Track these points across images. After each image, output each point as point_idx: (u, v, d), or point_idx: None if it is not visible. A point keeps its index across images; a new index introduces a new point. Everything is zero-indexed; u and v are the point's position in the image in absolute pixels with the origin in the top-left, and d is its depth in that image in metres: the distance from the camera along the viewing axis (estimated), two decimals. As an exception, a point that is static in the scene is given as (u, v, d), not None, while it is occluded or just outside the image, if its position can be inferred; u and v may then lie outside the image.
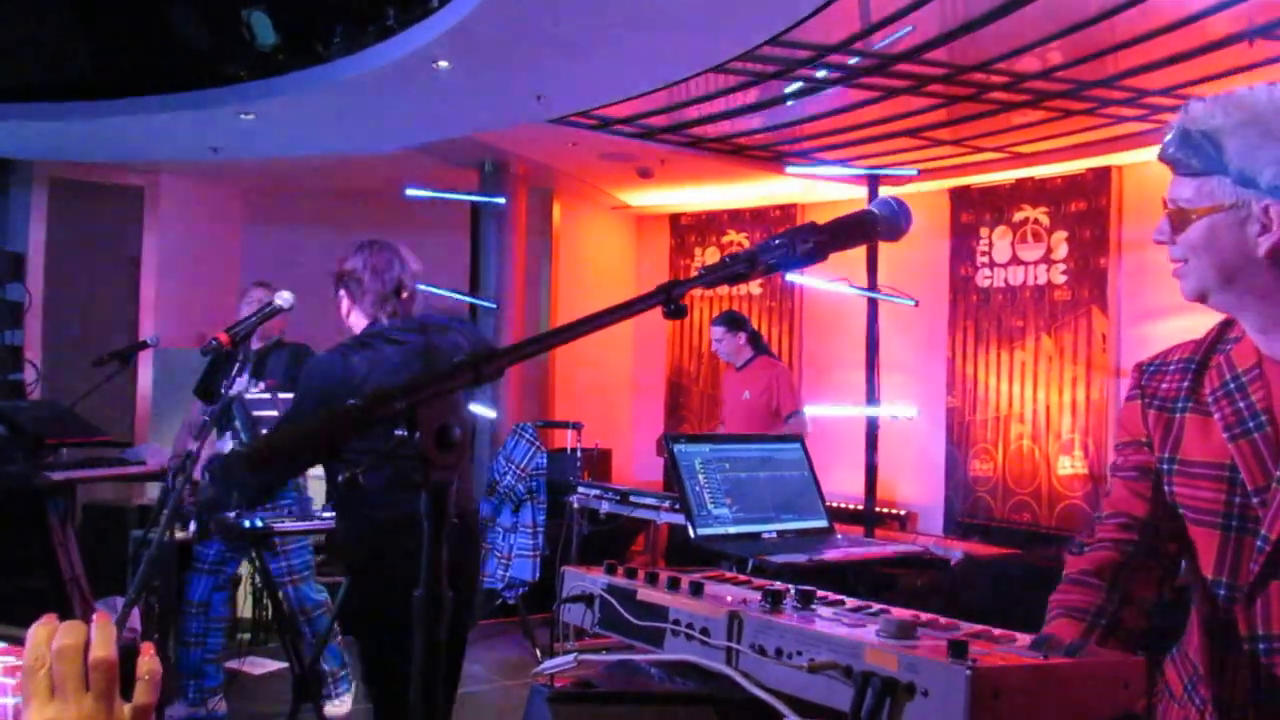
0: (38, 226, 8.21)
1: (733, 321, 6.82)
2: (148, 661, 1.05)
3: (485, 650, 6.86)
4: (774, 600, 1.48)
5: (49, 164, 8.23)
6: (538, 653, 6.52)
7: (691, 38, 5.42)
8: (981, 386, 7.98)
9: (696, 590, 1.56)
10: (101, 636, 1.02)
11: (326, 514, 4.33)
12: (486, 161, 8.41)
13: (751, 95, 6.60)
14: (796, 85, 6.29)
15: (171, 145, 7.80)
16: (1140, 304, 7.22)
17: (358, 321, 3.35)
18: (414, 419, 1.05)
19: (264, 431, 3.62)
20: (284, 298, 3.61)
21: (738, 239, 9.53)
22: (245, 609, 6.92)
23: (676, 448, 3.91)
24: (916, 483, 8.37)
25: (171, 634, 4.81)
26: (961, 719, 1.16)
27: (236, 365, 3.46)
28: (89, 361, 4.97)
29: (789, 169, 7.93)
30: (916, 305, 7.29)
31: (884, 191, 7.23)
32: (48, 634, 1.02)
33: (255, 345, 4.69)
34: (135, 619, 4.27)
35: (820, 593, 1.58)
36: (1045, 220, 7.67)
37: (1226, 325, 1.66)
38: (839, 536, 4.09)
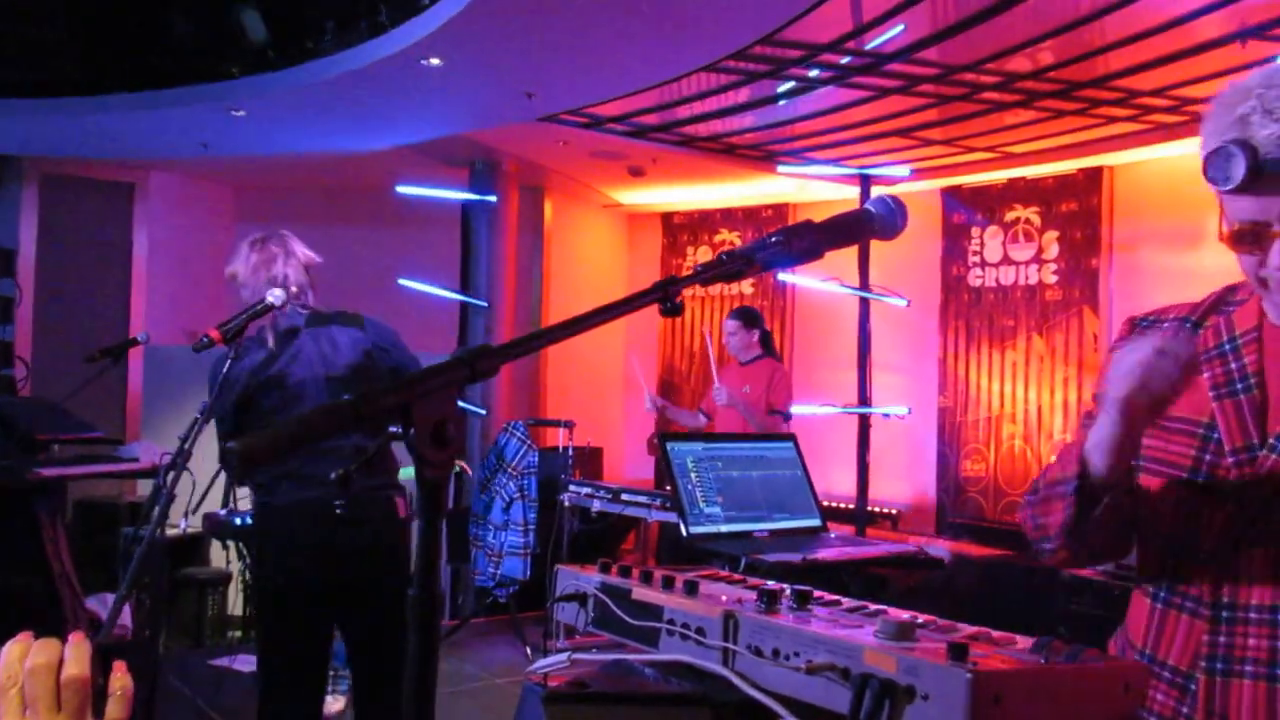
0: (28, 222, 8.18)
1: (749, 317, 6.83)
2: (120, 678, 1.04)
3: (476, 648, 6.85)
4: (770, 600, 1.47)
5: (39, 160, 8.19)
6: (528, 651, 6.51)
7: (683, 36, 5.41)
8: (973, 386, 7.99)
9: (691, 589, 1.54)
10: (75, 655, 1.02)
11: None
12: (477, 159, 8.39)
13: (743, 94, 6.59)
14: (788, 84, 6.29)
15: (162, 141, 7.77)
16: (1131, 304, 7.21)
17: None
18: (409, 416, 1.03)
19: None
20: (275, 295, 3.59)
21: (730, 238, 9.52)
22: (236, 606, 6.91)
23: (669, 446, 3.90)
24: (908, 482, 8.38)
25: (161, 630, 4.79)
26: (961, 722, 1.15)
27: (229, 363, 3.45)
28: (80, 358, 4.94)
29: (781, 168, 7.93)
30: (908, 305, 7.29)
31: (875, 191, 7.23)
32: (21, 651, 1.02)
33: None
34: (126, 616, 4.26)
35: (816, 592, 1.57)
36: (1037, 220, 7.68)
37: (1231, 289, 1.66)
38: (831, 535, 4.08)
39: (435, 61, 5.81)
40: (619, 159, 8.26)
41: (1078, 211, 7.47)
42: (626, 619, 1.55)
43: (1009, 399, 7.79)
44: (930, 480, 8.25)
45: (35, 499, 4.76)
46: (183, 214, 9.03)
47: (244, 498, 4.65)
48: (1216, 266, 1.68)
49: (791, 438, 4.33)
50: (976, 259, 8.01)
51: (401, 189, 8.02)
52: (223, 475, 4.29)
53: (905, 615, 1.48)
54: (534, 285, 9.23)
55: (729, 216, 9.58)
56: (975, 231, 8.01)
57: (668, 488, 4.46)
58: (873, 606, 1.57)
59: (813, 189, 8.69)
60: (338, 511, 3.22)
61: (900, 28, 5.27)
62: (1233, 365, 1.58)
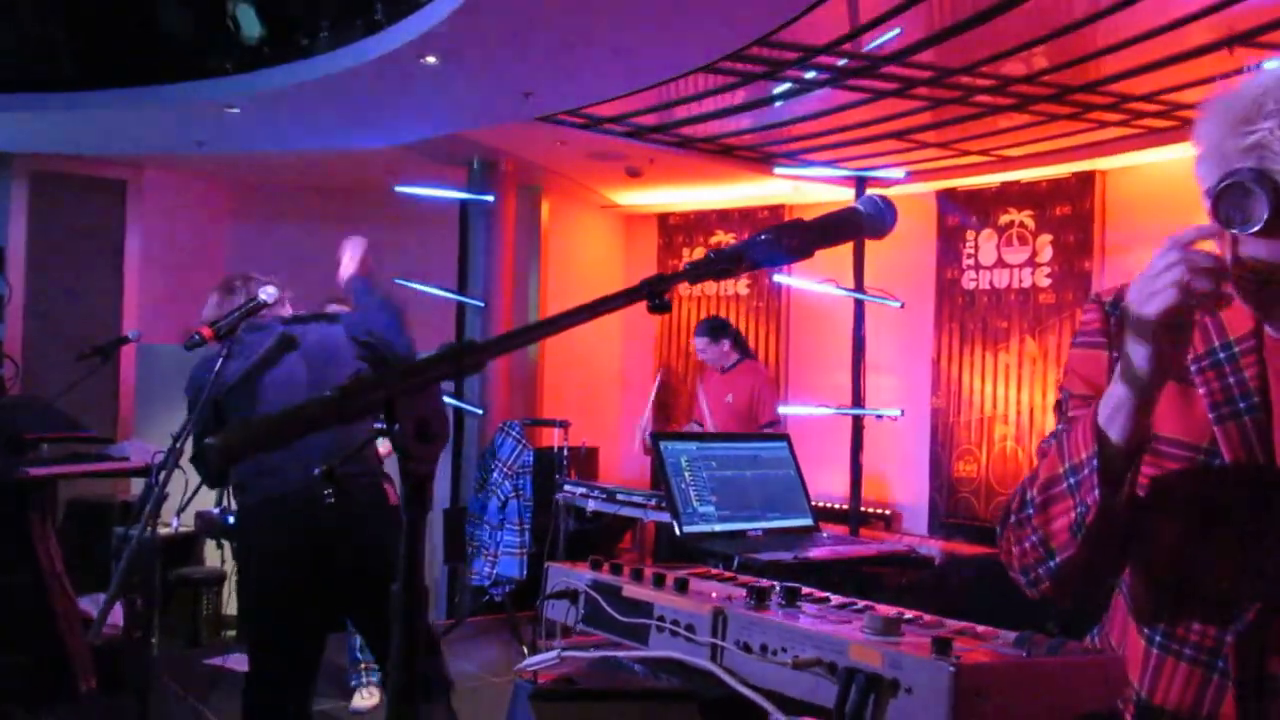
0: (18, 220, 8.15)
1: (714, 330, 6.85)
2: None
3: (472, 647, 6.85)
4: (759, 597, 1.48)
5: (30, 156, 8.17)
6: (524, 650, 6.51)
7: (680, 37, 5.42)
8: (966, 388, 8.01)
9: (681, 587, 1.55)
10: None
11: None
12: (475, 159, 8.39)
13: (740, 96, 6.60)
14: (785, 86, 6.30)
15: (155, 138, 7.76)
16: (1125, 307, 7.25)
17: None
18: (392, 410, 1.03)
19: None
20: (268, 292, 3.61)
21: (726, 239, 9.53)
22: (230, 606, 6.91)
23: (663, 445, 3.91)
24: (901, 483, 8.39)
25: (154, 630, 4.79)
26: (945, 716, 1.16)
27: (221, 361, 3.46)
28: (71, 356, 4.94)
29: (777, 170, 7.94)
30: (902, 307, 7.30)
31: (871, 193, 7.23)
32: None
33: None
34: (117, 615, 4.25)
35: (805, 590, 1.58)
36: (1030, 224, 7.69)
37: None
38: (824, 535, 4.09)
39: (432, 60, 5.81)
40: (616, 159, 8.26)
41: (1071, 215, 7.50)
42: (617, 616, 1.56)
43: (1002, 400, 7.81)
44: (923, 481, 8.26)
45: (25, 498, 4.75)
46: (176, 212, 9.01)
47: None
48: None
49: (785, 438, 4.34)
50: (971, 262, 8.03)
51: (399, 188, 8.02)
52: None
53: (892, 611, 1.49)
54: (531, 285, 9.23)
55: (725, 218, 9.59)
56: (970, 234, 8.02)
57: (663, 488, 4.48)
58: (861, 603, 1.58)
59: (808, 191, 8.70)
60: (328, 501, 3.22)
61: (896, 30, 5.28)
62: (1231, 380, 1.41)
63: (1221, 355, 1.43)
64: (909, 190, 7.91)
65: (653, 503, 5.54)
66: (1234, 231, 1.27)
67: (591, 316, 1.22)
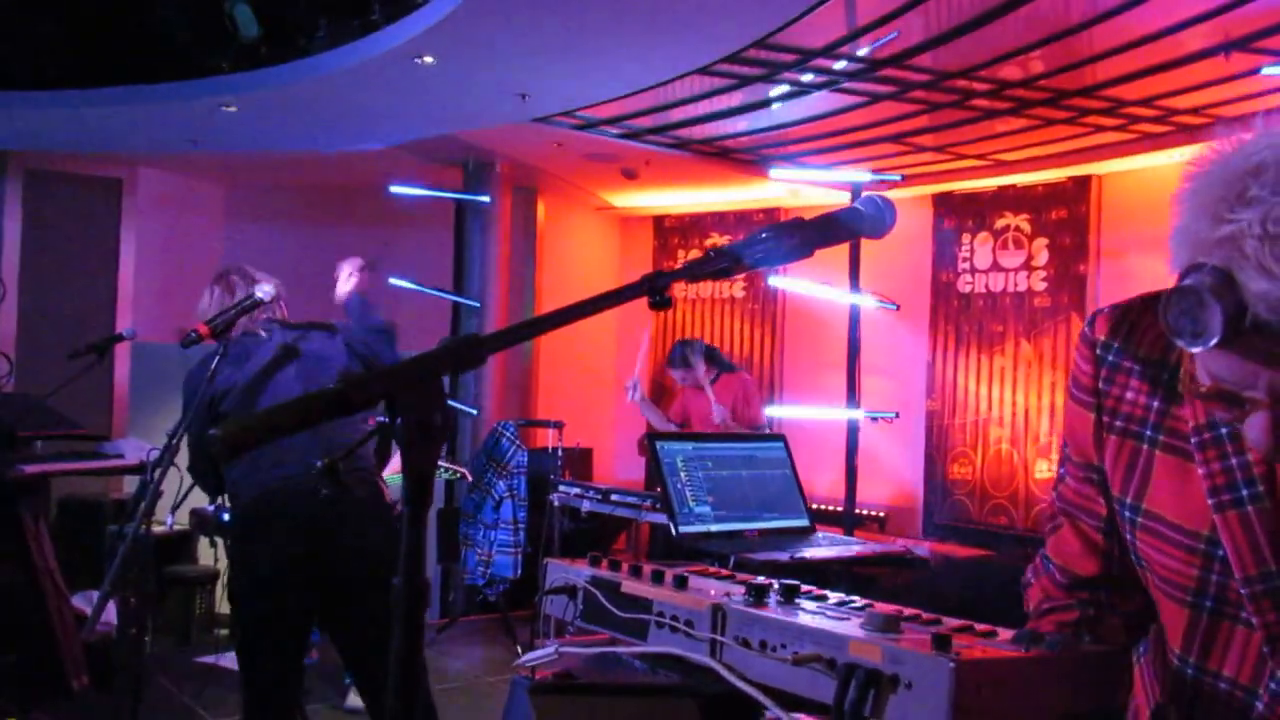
0: (12, 217, 8.13)
1: (684, 360, 6.86)
2: None
3: (466, 646, 6.86)
4: (758, 594, 1.48)
5: (25, 154, 8.15)
6: (518, 649, 6.51)
7: (677, 39, 5.42)
8: (961, 390, 8.02)
9: (680, 583, 1.55)
10: None
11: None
12: (470, 160, 8.39)
13: (736, 98, 6.60)
14: (782, 89, 6.30)
15: (150, 137, 7.74)
16: (1119, 311, 7.27)
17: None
18: (394, 405, 1.03)
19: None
20: (265, 290, 3.60)
21: (721, 242, 9.53)
22: (223, 604, 6.90)
23: (659, 445, 3.91)
24: (895, 485, 8.40)
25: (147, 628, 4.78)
26: (945, 711, 1.17)
27: (217, 359, 3.45)
28: (64, 354, 4.93)
29: (773, 172, 7.94)
30: (898, 310, 7.31)
31: (856, 201, 7.23)
32: None
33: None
34: (110, 612, 4.25)
35: (804, 587, 1.58)
36: (1026, 227, 7.71)
37: None
38: (820, 535, 4.10)
39: (428, 60, 5.81)
40: (613, 161, 8.26)
41: (1066, 219, 7.52)
42: (616, 612, 1.56)
43: (996, 403, 7.83)
44: (917, 483, 8.28)
45: (18, 496, 4.74)
46: (171, 211, 8.99)
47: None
48: None
49: (781, 438, 4.34)
50: (966, 265, 8.04)
51: (395, 189, 8.01)
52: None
53: (891, 609, 1.49)
54: (526, 286, 9.23)
55: (720, 220, 9.60)
56: (965, 238, 8.04)
57: (658, 489, 4.47)
58: (859, 601, 1.58)
59: (804, 194, 8.71)
60: (323, 495, 3.22)
61: (894, 34, 5.29)
62: (1234, 461, 1.23)
63: (1224, 430, 1.24)
64: (905, 194, 7.92)
65: (647, 503, 5.55)
66: (1182, 344, 1.10)
67: (592, 312, 1.23)
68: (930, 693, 1.19)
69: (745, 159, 8.09)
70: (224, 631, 6.80)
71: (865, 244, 7.34)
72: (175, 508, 4.16)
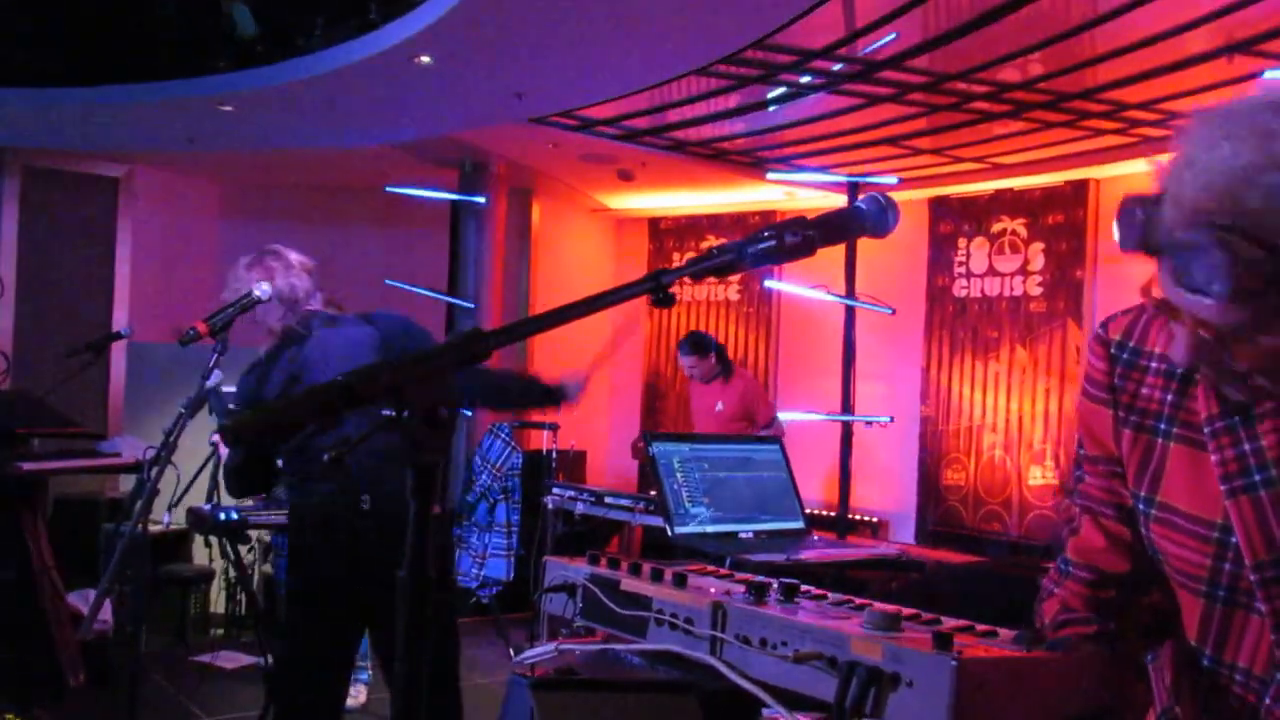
0: (10, 214, 8.12)
1: (700, 346, 6.88)
2: None
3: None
4: (758, 592, 1.48)
5: (23, 151, 8.14)
6: (511, 652, 6.50)
7: (674, 39, 5.42)
8: (955, 396, 8.01)
9: (680, 581, 1.55)
10: None
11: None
12: (466, 160, 8.39)
13: (734, 100, 6.61)
14: (779, 90, 6.30)
15: (148, 135, 7.74)
16: (1115, 317, 7.26)
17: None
18: (402, 398, 1.03)
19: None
20: (263, 289, 3.58)
21: (716, 244, 9.51)
22: (218, 604, 6.89)
23: (655, 446, 3.91)
24: (888, 490, 8.39)
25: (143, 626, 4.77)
26: (946, 710, 1.17)
27: (215, 357, 3.44)
28: (61, 352, 4.92)
29: (770, 175, 7.95)
30: (893, 314, 7.31)
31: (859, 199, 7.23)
32: None
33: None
34: (107, 611, 4.24)
35: (804, 586, 1.58)
36: (1023, 232, 7.71)
37: None
38: (815, 538, 4.10)
39: (425, 60, 5.81)
40: (608, 163, 8.26)
41: (1064, 224, 7.50)
42: (615, 609, 1.56)
43: (990, 409, 7.82)
44: (911, 488, 8.27)
45: (16, 493, 4.73)
46: (167, 209, 8.99)
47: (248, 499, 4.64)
48: None
49: (778, 440, 4.35)
50: (962, 269, 8.04)
51: (390, 189, 8.01)
52: (207, 469, 4.28)
53: (891, 608, 1.50)
54: (520, 287, 9.23)
55: (716, 223, 9.60)
56: (961, 242, 8.03)
57: (652, 491, 4.47)
58: (859, 601, 1.58)
59: (801, 196, 8.72)
60: (363, 507, 3.20)
61: (892, 35, 5.29)
62: (1246, 447, 1.24)
63: (1237, 419, 1.26)
64: (901, 197, 7.90)
65: (641, 506, 5.54)
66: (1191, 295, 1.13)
67: (598, 308, 1.23)
68: (931, 691, 1.19)
69: (742, 161, 8.09)
70: (219, 632, 6.80)
71: (861, 247, 7.35)
72: (172, 506, 4.15)
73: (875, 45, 5.45)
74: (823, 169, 7.80)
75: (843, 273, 7.46)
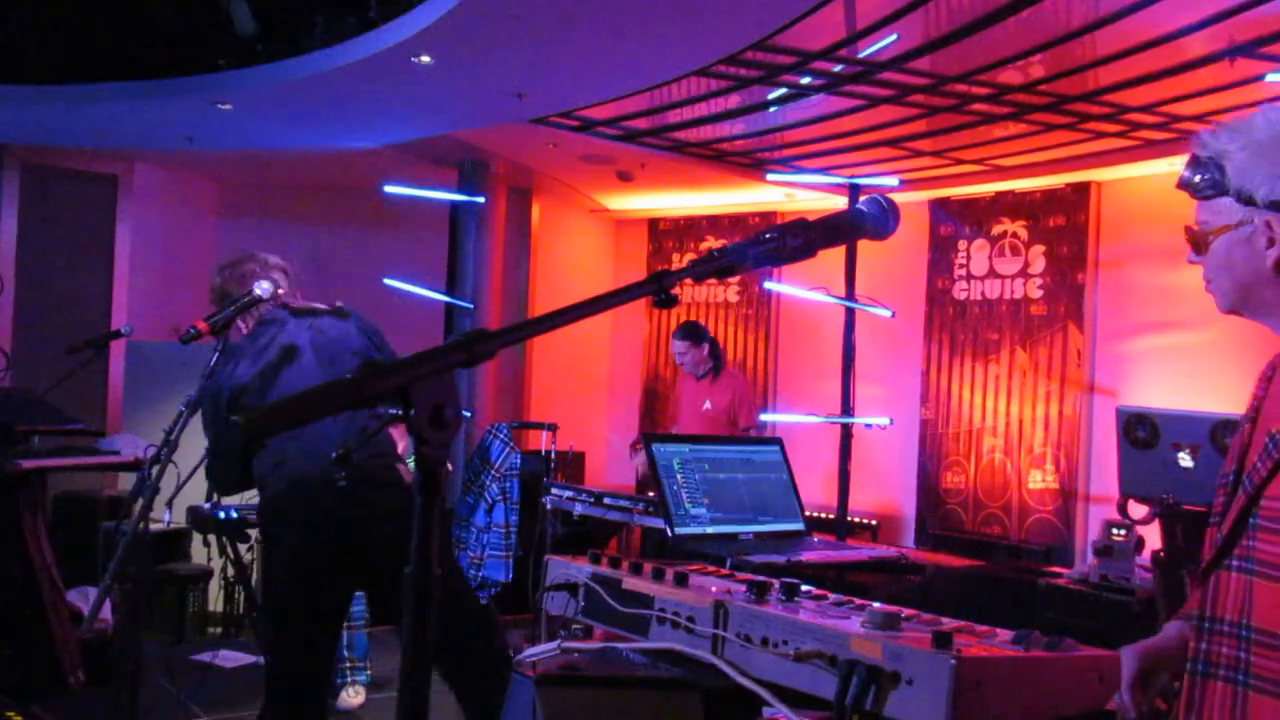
0: (9, 212, 8.13)
1: (695, 334, 6.88)
2: None
3: (455, 649, 6.82)
4: (759, 591, 1.49)
5: (22, 148, 8.15)
6: (509, 653, 6.50)
7: (675, 40, 5.42)
8: (955, 399, 8.01)
9: (681, 580, 1.56)
10: None
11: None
12: (466, 160, 8.38)
13: (734, 100, 6.61)
14: (780, 91, 6.31)
15: (147, 133, 7.74)
16: (1116, 321, 7.27)
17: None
18: (408, 396, 1.04)
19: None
20: (263, 288, 3.61)
21: (716, 245, 9.50)
22: (217, 603, 6.89)
23: (655, 447, 3.91)
24: (888, 493, 8.39)
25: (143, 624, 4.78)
26: (945, 707, 1.17)
27: (216, 355, 3.45)
28: (60, 350, 4.92)
29: (770, 176, 7.95)
30: (893, 316, 7.31)
31: (860, 201, 7.22)
32: None
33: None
34: (106, 609, 4.24)
35: (804, 586, 1.59)
36: (1024, 234, 7.71)
37: None
38: (815, 539, 4.10)
39: (425, 59, 5.81)
40: (608, 163, 8.27)
41: (1065, 227, 7.50)
42: (618, 608, 1.57)
43: (990, 412, 7.81)
44: (910, 491, 8.27)
45: (16, 491, 4.73)
46: (166, 207, 8.99)
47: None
48: (1200, 285, 1.66)
49: (778, 441, 4.35)
50: (962, 272, 8.04)
51: (389, 188, 8.01)
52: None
53: (891, 608, 1.50)
54: (520, 288, 9.23)
55: (715, 224, 9.60)
56: (962, 244, 8.04)
57: (650, 493, 4.47)
58: (859, 601, 1.59)
59: (800, 198, 8.72)
60: (340, 485, 3.24)
61: (893, 37, 5.29)
62: (1255, 395, 1.63)
63: (1268, 375, 1.61)
64: (902, 199, 7.89)
65: (640, 507, 5.53)
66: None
67: (602, 309, 1.24)
68: (930, 689, 1.20)
69: (741, 162, 8.10)
70: (217, 630, 6.80)
71: (861, 249, 7.36)
72: (169, 503, 4.16)
73: (876, 47, 5.45)
74: (823, 170, 7.80)
75: (842, 274, 7.46)
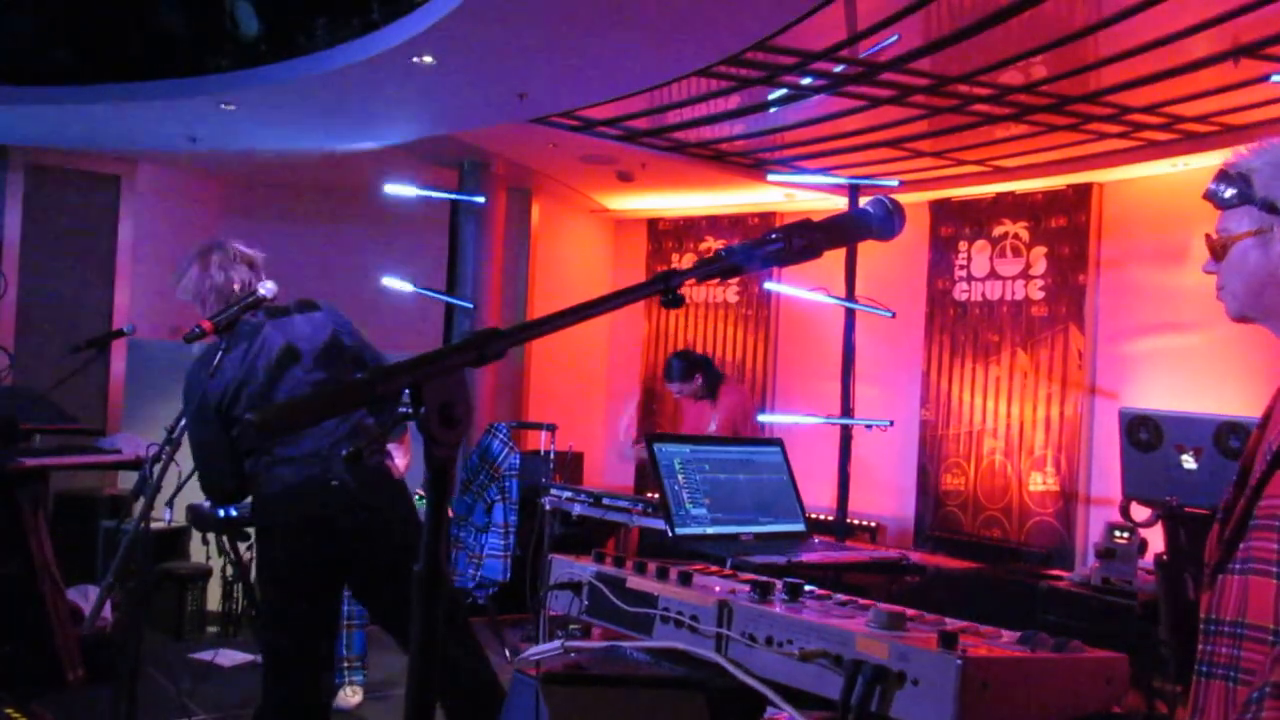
0: (13, 212, 8.13)
1: (683, 372, 6.90)
2: None
3: (455, 649, 6.82)
4: (763, 591, 1.49)
5: (26, 149, 8.16)
6: (507, 653, 6.51)
7: (676, 40, 5.43)
8: (955, 400, 8.01)
9: (685, 580, 1.56)
10: None
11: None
12: (466, 161, 8.39)
13: (734, 101, 6.61)
14: (780, 92, 6.31)
15: (150, 134, 7.74)
16: (1118, 323, 7.27)
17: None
18: (419, 395, 1.05)
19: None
20: (267, 287, 3.61)
21: (715, 245, 9.52)
22: (216, 601, 6.90)
23: (656, 447, 3.91)
24: (887, 495, 8.38)
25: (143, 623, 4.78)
26: (950, 708, 1.18)
27: (219, 355, 3.46)
28: (63, 349, 4.92)
29: (770, 176, 7.95)
30: (894, 317, 7.31)
31: (864, 202, 7.23)
32: None
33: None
34: (105, 607, 4.25)
35: (808, 586, 1.59)
36: (1025, 235, 7.71)
37: None
38: (815, 540, 4.10)
39: (427, 60, 5.82)
40: (608, 163, 8.27)
41: (1066, 228, 7.50)
42: (622, 607, 1.57)
43: (991, 414, 7.81)
44: (910, 493, 8.26)
45: (17, 489, 4.73)
46: (169, 208, 8.99)
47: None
48: (1202, 287, 1.72)
49: (779, 442, 4.35)
50: (963, 273, 8.03)
51: (390, 188, 8.02)
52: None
53: (896, 608, 1.51)
54: (519, 288, 9.24)
55: (715, 224, 9.60)
56: (963, 245, 8.04)
57: (650, 494, 4.48)
58: (862, 601, 1.59)
59: (801, 198, 8.72)
60: (332, 484, 3.25)
61: (894, 37, 5.29)
62: (1271, 403, 1.68)
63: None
64: (902, 199, 7.88)
65: (638, 507, 5.54)
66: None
67: (609, 309, 1.24)
68: (936, 689, 1.20)
69: (742, 163, 8.10)
70: (214, 629, 6.80)
71: (861, 250, 7.35)
72: (170, 502, 4.16)
73: (877, 47, 5.45)
74: (823, 171, 7.80)
75: (842, 275, 7.45)
